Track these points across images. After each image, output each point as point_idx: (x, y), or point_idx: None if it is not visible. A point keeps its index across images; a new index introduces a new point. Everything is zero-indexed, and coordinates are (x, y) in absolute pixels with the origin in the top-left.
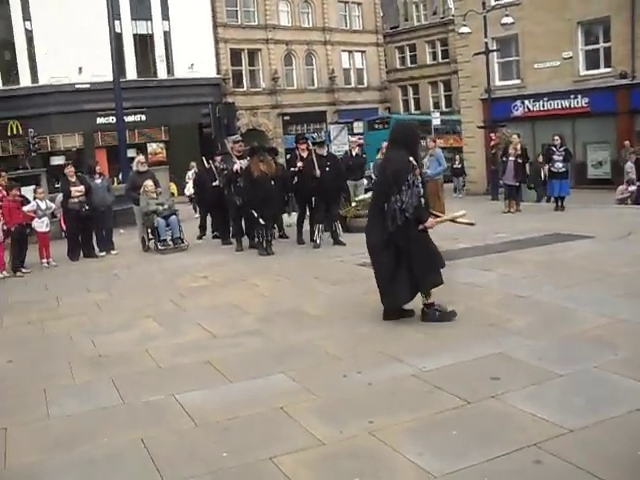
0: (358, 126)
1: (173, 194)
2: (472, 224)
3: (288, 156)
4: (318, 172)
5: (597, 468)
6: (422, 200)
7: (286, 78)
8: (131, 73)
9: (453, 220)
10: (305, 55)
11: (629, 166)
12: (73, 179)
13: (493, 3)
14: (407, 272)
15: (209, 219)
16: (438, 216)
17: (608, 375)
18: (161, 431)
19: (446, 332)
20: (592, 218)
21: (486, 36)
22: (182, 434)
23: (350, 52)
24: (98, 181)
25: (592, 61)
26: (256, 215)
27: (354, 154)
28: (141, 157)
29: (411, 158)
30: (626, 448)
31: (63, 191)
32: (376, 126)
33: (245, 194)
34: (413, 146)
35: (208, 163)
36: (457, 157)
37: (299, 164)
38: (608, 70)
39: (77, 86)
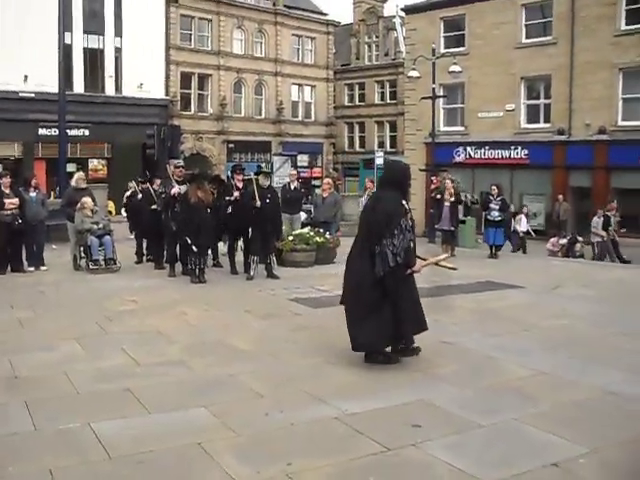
0: (302, 159)
1: (111, 212)
2: (455, 269)
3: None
4: (258, 202)
5: None
6: (412, 244)
7: (234, 105)
8: (78, 86)
9: (437, 264)
10: (255, 84)
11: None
12: (7, 190)
13: (443, 50)
14: (389, 316)
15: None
16: (424, 259)
17: (526, 428)
18: (72, 462)
19: (373, 376)
20: (524, 268)
21: (434, 82)
22: (94, 466)
23: (300, 85)
24: (33, 194)
25: (533, 115)
26: (190, 242)
27: (292, 187)
28: (81, 174)
29: (403, 201)
30: None
31: None
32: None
33: (180, 220)
34: (405, 187)
35: (139, 185)
36: None
37: (235, 194)
38: (547, 125)
39: (21, 94)
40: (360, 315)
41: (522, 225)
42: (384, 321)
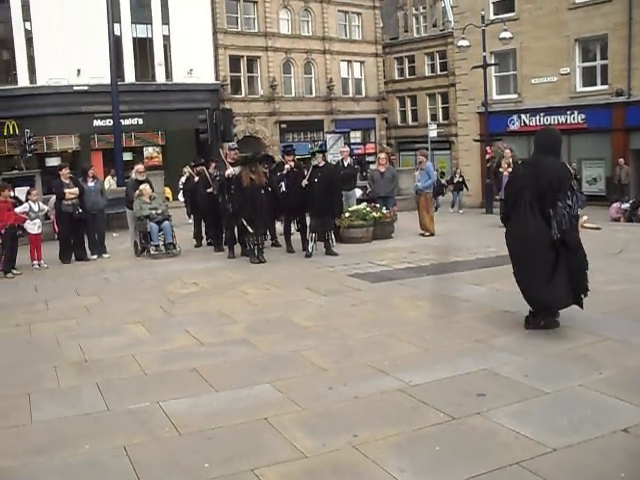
0: (355, 136)
1: (168, 199)
2: (599, 229)
3: (273, 166)
4: (305, 182)
5: None
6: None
7: (284, 86)
8: (129, 76)
9: (582, 226)
10: (304, 64)
11: None
12: (67, 181)
13: (492, 17)
14: (567, 276)
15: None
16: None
17: (593, 394)
18: (144, 439)
19: (435, 347)
20: (585, 234)
21: (484, 50)
22: (165, 443)
23: (349, 62)
24: (91, 184)
25: (589, 78)
26: (245, 223)
27: (345, 164)
28: (140, 166)
29: (567, 164)
30: (609, 469)
31: (57, 193)
32: None
33: (235, 202)
34: (559, 151)
35: (194, 169)
36: (458, 170)
37: (287, 166)
38: (605, 87)
39: (75, 88)
40: (541, 276)
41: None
42: (563, 281)
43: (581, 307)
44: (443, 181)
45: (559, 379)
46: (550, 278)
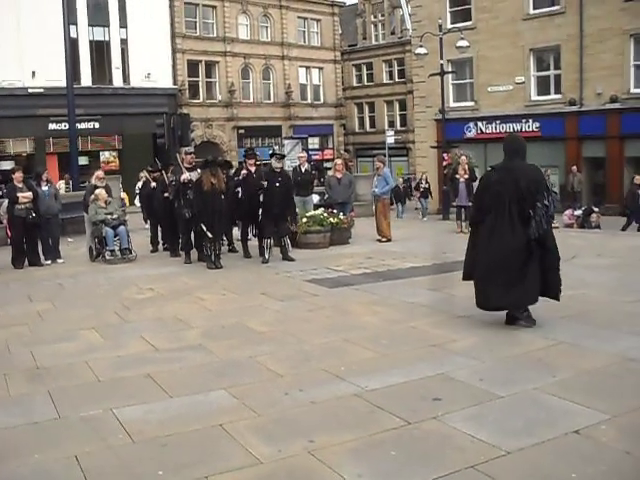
0: (313, 142)
1: (126, 204)
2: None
3: (232, 170)
4: (265, 183)
5: None
6: None
7: (242, 91)
8: (86, 79)
9: None
10: (263, 69)
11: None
12: (20, 185)
13: (449, 26)
14: (539, 275)
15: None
16: None
17: (547, 397)
18: (97, 447)
19: (391, 352)
20: None
21: (442, 58)
22: (118, 450)
23: (307, 68)
24: (45, 188)
25: (543, 87)
26: (205, 229)
27: (303, 170)
28: (100, 172)
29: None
30: (561, 470)
31: (9, 197)
32: None
33: (195, 207)
34: (525, 155)
35: (150, 174)
36: (424, 176)
37: (243, 171)
38: (558, 97)
39: (30, 90)
40: (513, 277)
41: None
42: (533, 282)
43: (558, 300)
44: (402, 186)
45: (514, 383)
46: (522, 279)
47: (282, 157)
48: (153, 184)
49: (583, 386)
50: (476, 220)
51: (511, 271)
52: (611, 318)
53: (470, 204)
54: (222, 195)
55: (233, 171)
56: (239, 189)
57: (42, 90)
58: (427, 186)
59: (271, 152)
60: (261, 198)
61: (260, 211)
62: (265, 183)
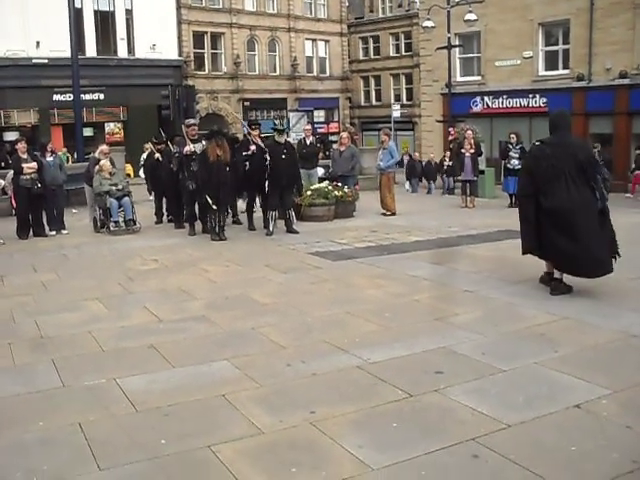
0: (318, 115)
1: (129, 175)
2: None
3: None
4: (268, 157)
5: (531, 463)
6: None
7: (248, 63)
8: (91, 50)
9: None
10: (268, 41)
11: None
12: (25, 156)
13: None
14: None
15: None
16: None
17: (548, 372)
18: (100, 416)
19: (394, 325)
20: None
21: (449, 31)
22: (121, 419)
23: (314, 40)
24: (50, 159)
25: (551, 62)
26: (210, 200)
27: (307, 142)
28: (104, 147)
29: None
30: (561, 443)
31: (14, 168)
32: None
33: (199, 179)
34: (571, 129)
35: (155, 146)
36: (447, 154)
37: (252, 147)
38: (566, 72)
39: (34, 61)
40: (597, 241)
41: None
42: (606, 245)
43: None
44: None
45: (516, 357)
46: (602, 243)
47: (282, 131)
48: (157, 155)
49: (585, 361)
50: (526, 193)
51: (591, 235)
52: (615, 295)
53: (475, 178)
54: (227, 167)
55: (238, 145)
56: (247, 163)
57: (46, 60)
58: (451, 164)
59: (272, 127)
60: (268, 170)
61: (266, 182)
62: (268, 157)
